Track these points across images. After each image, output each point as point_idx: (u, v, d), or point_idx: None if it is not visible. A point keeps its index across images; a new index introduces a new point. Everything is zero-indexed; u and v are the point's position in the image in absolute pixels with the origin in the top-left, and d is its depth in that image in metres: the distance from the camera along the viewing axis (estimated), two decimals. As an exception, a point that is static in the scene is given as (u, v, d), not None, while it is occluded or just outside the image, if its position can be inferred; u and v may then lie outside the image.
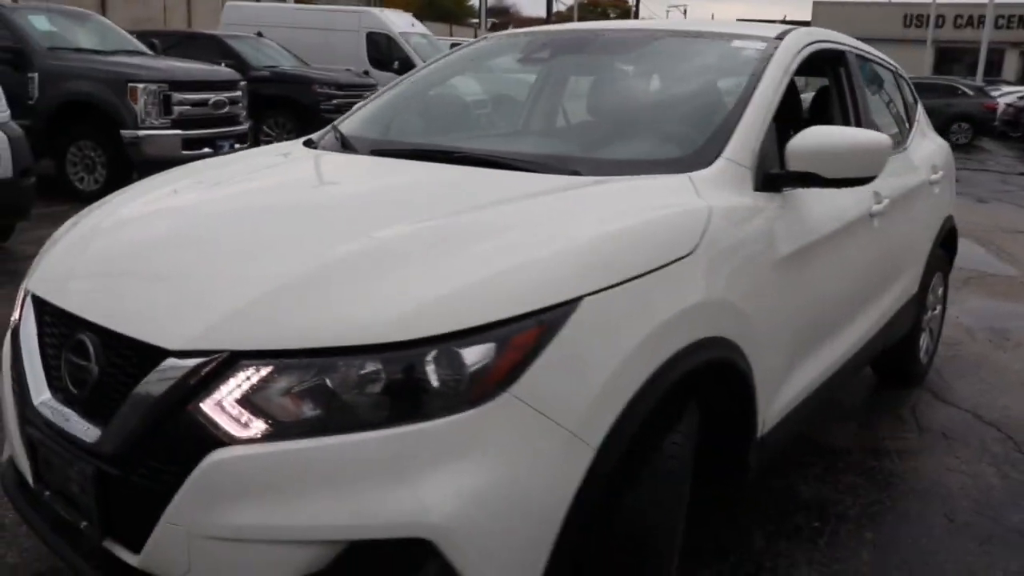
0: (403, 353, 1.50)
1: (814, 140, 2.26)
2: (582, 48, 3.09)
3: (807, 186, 2.32)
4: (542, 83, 3.04)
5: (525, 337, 1.55)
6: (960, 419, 3.72)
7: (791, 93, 3.15)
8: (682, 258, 1.83)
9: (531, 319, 1.56)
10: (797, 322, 2.38)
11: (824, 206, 2.51)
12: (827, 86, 3.17)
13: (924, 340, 4.08)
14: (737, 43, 2.73)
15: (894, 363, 3.95)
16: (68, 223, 2.30)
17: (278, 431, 1.50)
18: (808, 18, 41.74)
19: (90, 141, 8.57)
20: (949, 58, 38.48)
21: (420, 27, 17.87)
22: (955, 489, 3.05)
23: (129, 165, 8.41)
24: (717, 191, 2.09)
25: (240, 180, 2.42)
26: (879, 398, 3.95)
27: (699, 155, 2.20)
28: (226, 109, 9.33)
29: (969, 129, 20.06)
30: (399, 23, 16.69)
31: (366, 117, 2.97)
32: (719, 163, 2.18)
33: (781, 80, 2.52)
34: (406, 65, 14.58)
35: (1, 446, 2.15)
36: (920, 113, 4.03)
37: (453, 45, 19.83)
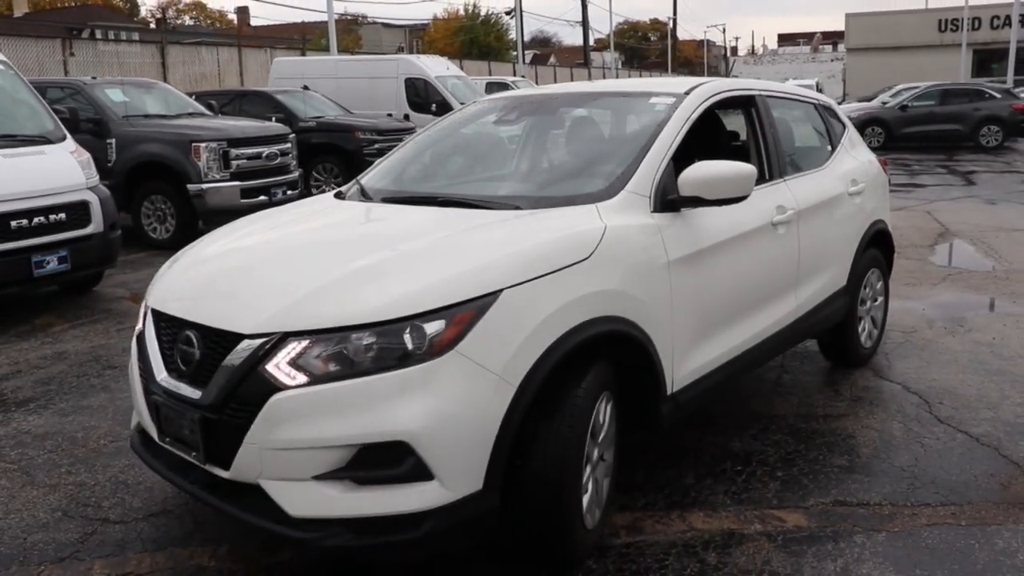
0: (388, 327, 2.39)
1: (697, 172, 3.09)
2: (539, 110, 4.00)
3: (696, 206, 3.14)
4: (507, 138, 3.94)
5: (464, 316, 2.42)
6: (889, 390, 4.44)
7: (712, 130, 3.99)
8: (580, 262, 2.68)
9: (468, 304, 2.43)
10: (697, 307, 3.18)
11: (720, 220, 3.32)
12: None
13: (866, 327, 4.80)
14: (654, 99, 3.57)
15: (835, 346, 4.68)
16: (169, 261, 3.25)
17: (313, 380, 2.39)
18: (843, 28, 42.07)
19: (161, 196, 9.72)
20: (989, 60, 38.42)
21: (455, 69, 19.00)
22: (862, 440, 3.78)
23: (195, 215, 9.54)
24: (616, 215, 2.94)
25: (285, 225, 3.34)
26: (825, 377, 4.69)
27: (608, 190, 3.06)
28: (278, 160, 10.43)
29: (999, 131, 20.34)
30: (435, 67, 17.80)
31: (382, 171, 3.89)
32: (621, 195, 3.03)
33: (681, 127, 3.35)
34: (443, 106, 15.69)
35: (127, 423, 3.08)
36: (847, 136, 4.79)
37: (489, 84, 20.91)
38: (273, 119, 12.51)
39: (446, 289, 2.45)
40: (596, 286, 2.71)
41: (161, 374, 2.76)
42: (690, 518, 3.13)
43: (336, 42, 22.36)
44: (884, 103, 22.32)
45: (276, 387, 2.41)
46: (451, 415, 2.37)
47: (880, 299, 4.96)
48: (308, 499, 2.41)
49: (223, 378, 2.51)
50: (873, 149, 17.11)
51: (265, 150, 10.23)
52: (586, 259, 2.70)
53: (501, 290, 2.48)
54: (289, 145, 10.76)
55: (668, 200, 3.12)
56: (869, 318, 4.85)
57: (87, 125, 9.63)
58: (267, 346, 2.44)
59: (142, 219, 9.82)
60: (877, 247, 4.80)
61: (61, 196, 6.64)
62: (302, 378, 2.40)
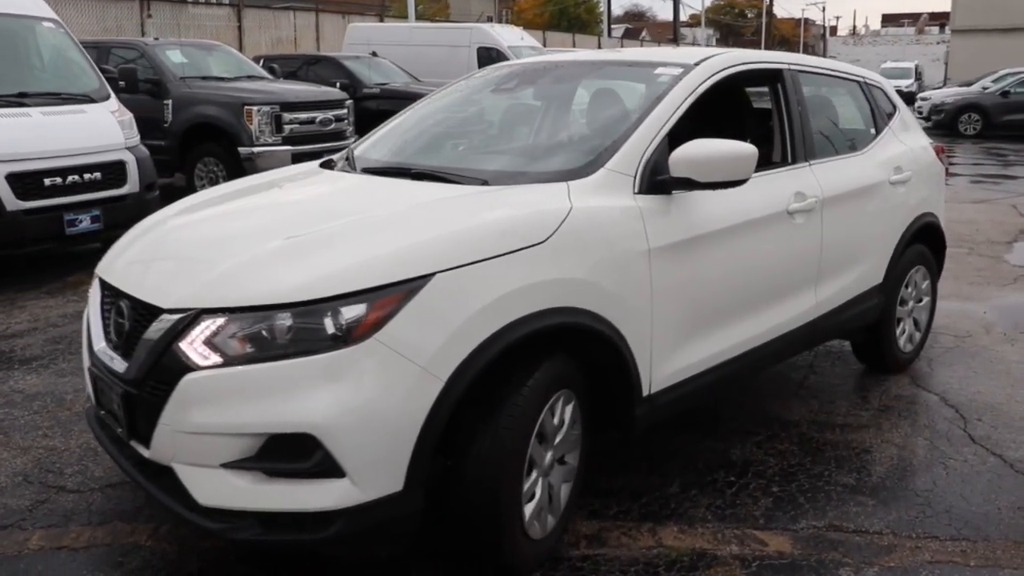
0: (307, 309, 2.17)
1: (689, 152, 2.76)
2: (538, 78, 3.69)
3: (688, 189, 2.82)
4: (500, 107, 3.65)
5: (388, 300, 2.18)
6: (924, 401, 4.02)
7: (734, 108, 3.63)
8: (533, 245, 2.39)
9: (394, 287, 2.19)
10: (685, 301, 2.87)
11: (719, 205, 2.98)
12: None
13: (906, 329, 4.37)
14: (659, 70, 3.23)
15: (868, 349, 4.27)
16: (130, 229, 3.12)
17: (227, 361, 2.19)
18: (949, 8, 39.82)
19: (213, 158, 9.77)
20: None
21: (529, 40, 18.65)
22: (877, 456, 3.40)
23: (246, 178, 9.53)
24: (590, 195, 2.64)
25: (248, 194, 3.15)
26: (856, 382, 4.28)
27: (585, 167, 2.75)
28: (332, 126, 10.36)
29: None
30: (508, 37, 17.52)
31: (375, 140, 3.67)
32: (600, 173, 2.72)
33: (682, 101, 3.01)
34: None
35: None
36: (898, 118, 4.33)
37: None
38: (338, 85, 12.48)
39: (370, 270, 2.21)
40: (553, 273, 2.43)
41: (99, 344, 2.63)
42: (661, 533, 2.84)
43: (417, 9, 22.21)
44: (984, 88, 20.96)
45: (189, 367, 2.23)
46: (366, 409, 2.15)
47: (925, 300, 4.51)
48: (217, 488, 2.23)
49: (143, 353, 2.35)
50: (968, 137, 16.19)
51: (319, 115, 10.17)
52: (542, 243, 2.42)
53: (433, 273, 2.23)
54: (345, 111, 10.67)
55: (657, 181, 2.81)
56: (910, 320, 4.41)
57: (146, 86, 9.72)
58: (184, 323, 2.26)
59: (195, 180, 9.89)
60: (924, 242, 4.35)
61: (97, 155, 6.67)
62: (216, 359, 2.21)
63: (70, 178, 6.43)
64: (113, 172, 6.78)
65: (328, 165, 3.55)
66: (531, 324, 2.36)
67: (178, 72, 10.15)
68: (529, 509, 2.49)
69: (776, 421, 3.75)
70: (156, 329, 2.32)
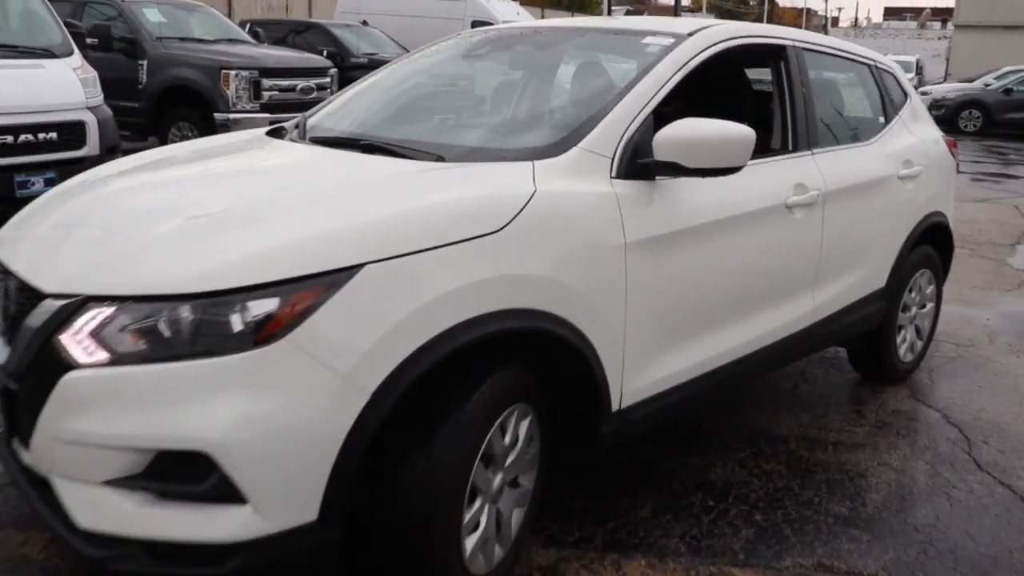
0: (206, 302, 1.80)
1: (678, 131, 2.39)
2: (514, 45, 3.30)
3: (675, 175, 2.45)
4: (469, 76, 3.25)
5: (305, 295, 1.81)
6: (924, 417, 3.68)
7: (731, 87, 3.25)
8: (485, 235, 2.02)
9: (313, 280, 1.82)
10: (665, 303, 2.51)
11: (709, 195, 2.62)
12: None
13: (907, 337, 4.02)
14: (648, 39, 2.85)
15: (866, 357, 3.93)
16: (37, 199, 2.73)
17: (114, 360, 1.82)
18: (952, 4, 39.39)
19: (188, 123, 9.32)
20: None
21: (525, 15, 18.16)
22: (873, 482, 3.06)
23: (221, 145, 9.11)
24: (558, 178, 2.26)
25: (176, 162, 2.76)
26: (850, 393, 3.94)
27: (555, 145, 2.37)
28: (314, 95, 9.90)
29: None
30: (504, 11, 17.02)
31: (333, 107, 3.27)
32: (572, 153, 2.34)
33: (672, 75, 2.63)
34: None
35: None
36: (909, 107, 3.96)
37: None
38: (324, 53, 12.03)
39: (285, 258, 1.84)
40: (508, 268, 2.06)
41: None
42: (627, 567, 2.49)
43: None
44: (987, 85, 20.59)
45: (70, 364, 1.85)
46: (272, 424, 1.79)
47: (929, 305, 4.16)
48: (98, 509, 1.87)
49: (23, 342, 1.98)
50: (969, 134, 15.77)
51: (300, 83, 9.72)
52: (496, 232, 2.05)
53: (362, 264, 1.86)
54: (328, 80, 10.21)
55: (639, 165, 2.44)
56: (912, 327, 4.06)
57: (120, 44, 9.26)
58: (68, 311, 1.89)
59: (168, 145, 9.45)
60: (931, 244, 3.99)
61: (54, 114, 6.22)
62: (101, 356, 1.84)
63: (23, 137, 6.00)
64: (71, 132, 6.35)
65: (279, 133, 3.16)
66: (480, 328, 2.00)
67: (155, 32, 9.67)
68: (472, 541, 2.14)
69: (762, 436, 3.40)
70: (37, 316, 1.94)
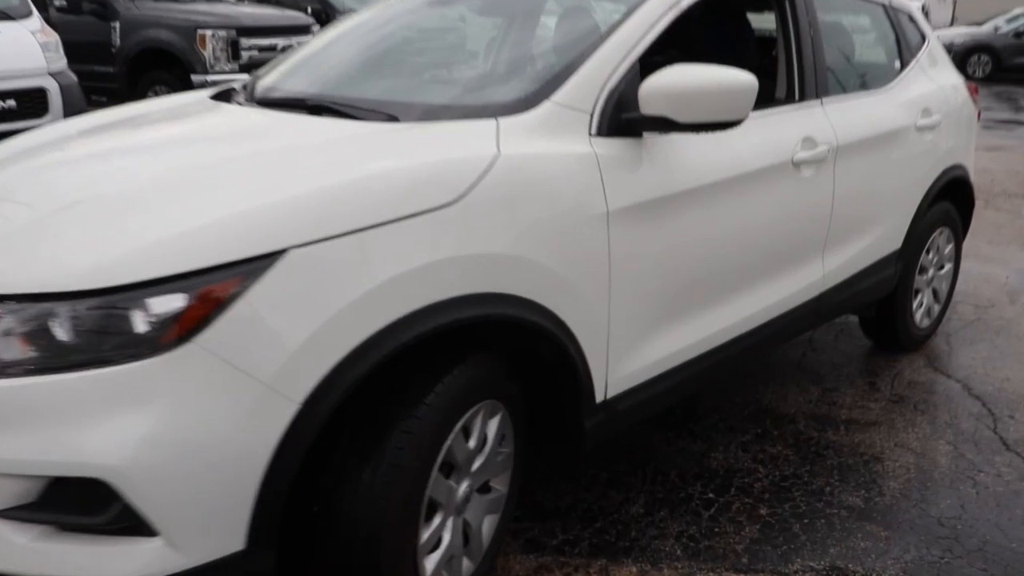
0: (99, 300, 1.49)
1: (668, 80, 2.05)
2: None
3: (663, 131, 2.12)
4: (434, 25, 2.89)
5: (218, 288, 1.51)
6: (944, 389, 3.39)
7: (731, 32, 2.91)
8: (438, 208, 1.71)
9: (225, 270, 1.51)
10: (655, 279, 2.20)
11: (705, 153, 2.30)
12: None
13: (924, 302, 3.72)
14: (634, -26, 2.49)
15: (879, 324, 3.63)
16: None
17: None
18: (960, -54, 38.32)
19: (165, 86, 8.92)
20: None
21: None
22: (890, 467, 2.78)
23: (199, 109, 8.74)
24: (527, 138, 1.94)
25: (105, 131, 2.42)
26: (862, 363, 3.64)
27: (525, 100, 2.04)
28: (296, 54, 9.48)
29: None
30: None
31: (289, 64, 2.92)
32: (543, 107, 2.02)
33: (661, 16, 2.29)
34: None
35: None
36: (927, 50, 3.60)
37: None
38: (309, 10, 11.56)
39: (194, 244, 1.53)
40: (465, 247, 1.75)
41: None
42: (616, 575, 2.22)
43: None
44: (996, 28, 19.98)
45: None
46: (182, 444, 1.49)
47: (947, 267, 3.85)
48: (-14, 544, 1.59)
49: None
50: (978, 80, 15.26)
51: (281, 41, 9.27)
52: (450, 204, 1.73)
53: (286, 249, 1.55)
54: (311, 37, 9.78)
55: (623, 120, 2.11)
56: (930, 290, 3.75)
57: (90, 5, 8.86)
58: None
59: (145, 111, 9.07)
60: (950, 199, 3.66)
61: (12, 81, 5.87)
62: (-22, 365, 1.54)
63: (-22, 106, 5.68)
64: (31, 100, 6.00)
65: (227, 94, 2.82)
66: (433, 318, 1.69)
67: (128, -10, 9.24)
68: (433, 561, 1.86)
69: (768, 414, 3.11)
70: None
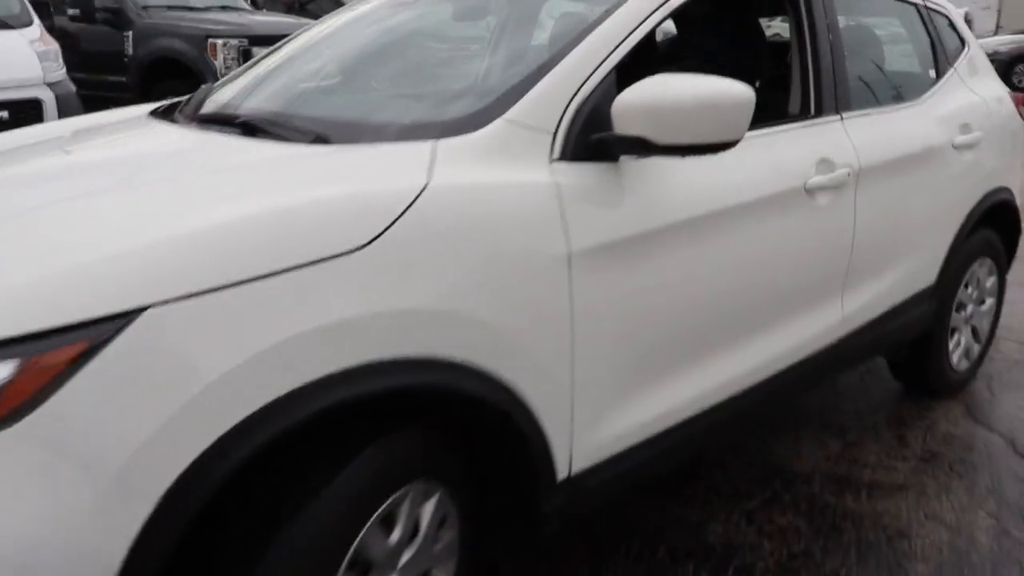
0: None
1: (644, 94, 1.70)
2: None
3: (640, 154, 1.77)
4: (399, 31, 2.55)
5: (52, 357, 1.18)
6: (984, 445, 2.97)
7: (734, 32, 2.56)
8: (339, 256, 1.36)
9: (65, 335, 1.18)
10: (632, 333, 1.84)
11: (700, 179, 1.94)
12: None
13: (962, 341, 3.30)
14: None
15: (911, 369, 3.22)
16: None
17: None
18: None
19: (178, 96, 8.75)
20: None
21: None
22: (919, 546, 2.38)
23: (209, 120, 8.56)
24: (470, 163, 1.60)
25: (17, 158, 2.12)
26: (889, 410, 3.24)
27: (472, 117, 1.70)
28: (310, 64, 9.27)
29: None
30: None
31: (244, 78, 2.61)
32: (493, 127, 1.67)
33: (647, 16, 1.94)
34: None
35: None
36: (966, 58, 3.20)
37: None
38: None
39: (28, 302, 1.20)
40: (379, 302, 1.40)
41: None
42: None
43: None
44: (1044, 37, 19.29)
45: None
46: (6, 552, 1.17)
47: (989, 301, 3.43)
48: None
49: None
50: (1022, 91, 14.61)
51: (295, 52, 9.09)
52: (357, 250, 1.39)
53: (142, 308, 1.22)
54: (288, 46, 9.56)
55: (593, 142, 1.76)
56: (968, 329, 3.34)
57: (104, 15, 8.73)
58: None
59: (157, 122, 8.91)
60: (993, 227, 3.25)
61: (7, 91, 5.71)
62: None
63: (-32, 117, 5.49)
64: (26, 111, 5.81)
65: (171, 109, 2.52)
66: (333, 392, 1.35)
67: (140, 1, 9.09)
68: None
69: (778, 474, 2.73)
70: None
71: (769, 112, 2.43)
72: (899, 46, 3.05)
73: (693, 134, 1.70)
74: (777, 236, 2.19)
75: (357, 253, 1.38)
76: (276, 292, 1.31)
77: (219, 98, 2.40)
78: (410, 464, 1.57)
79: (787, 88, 2.50)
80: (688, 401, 2.04)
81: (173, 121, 2.26)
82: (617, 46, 1.86)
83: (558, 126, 1.73)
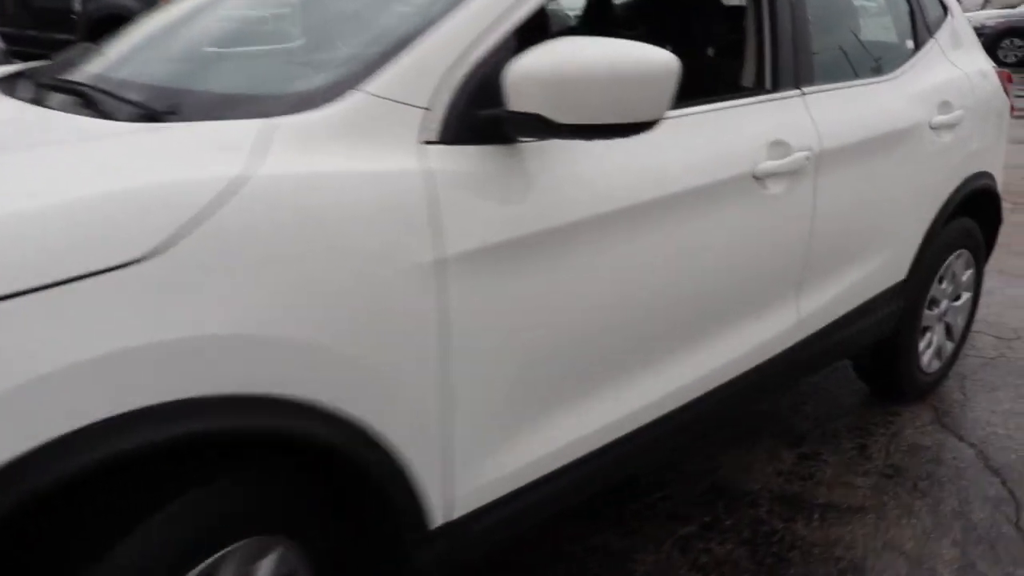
0: None
1: (543, 62, 1.37)
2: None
3: (539, 136, 1.44)
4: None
5: None
6: (953, 458, 2.69)
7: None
8: (119, 267, 1.03)
9: None
10: (528, 351, 1.53)
11: (618, 166, 1.62)
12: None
13: (933, 340, 3.01)
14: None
15: (877, 371, 2.94)
16: None
17: None
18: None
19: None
20: None
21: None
22: (874, 582, 2.10)
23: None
24: (313, 147, 1.26)
25: None
26: (855, 417, 2.95)
27: (322, 89, 1.36)
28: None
29: None
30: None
31: (116, 42, 2.25)
32: (349, 101, 1.33)
33: (557, -36, 1.59)
34: None
35: None
36: (947, 28, 2.87)
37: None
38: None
39: None
40: (174, 327, 1.07)
41: None
42: None
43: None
44: (1034, 10, 18.94)
45: None
46: None
47: (965, 296, 3.13)
48: None
49: None
50: (1009, 65, 14.20)
51: (252, 9, 8.66)
52: (144, 260, 1.05)
53: None
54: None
55: (482, 120, 1.43)
56: (941, 327, 3.05)
57: (50, -32, 8.27)
58: None
59: (105, 81, 8.48)
60: (972, 215, 2.95)
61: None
62: None
63: None
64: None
65: (23, 75, 2.16)
66: (113, 440, 1.03)
67: (88, -48, 8.62)
68: None
69: (723, 494, 2.44)
70: None
71: (720, 85, 2.12)
72: (872, 12, 2.71)
73: (601, 112, 1.37)
74: (717, 232, 1.87)
75: (141, 264, 1.05)
76: (36, 312, 0.98)
77: (79, 63, 2.04)
78: (233, 521, 1.25)
79: (741, 58, 2.17)
80: (605, 427, 1.74)
81: (18, 91, 1.90)
82: (509, 5, 1.52)
83: (434, 99, 1.39)
